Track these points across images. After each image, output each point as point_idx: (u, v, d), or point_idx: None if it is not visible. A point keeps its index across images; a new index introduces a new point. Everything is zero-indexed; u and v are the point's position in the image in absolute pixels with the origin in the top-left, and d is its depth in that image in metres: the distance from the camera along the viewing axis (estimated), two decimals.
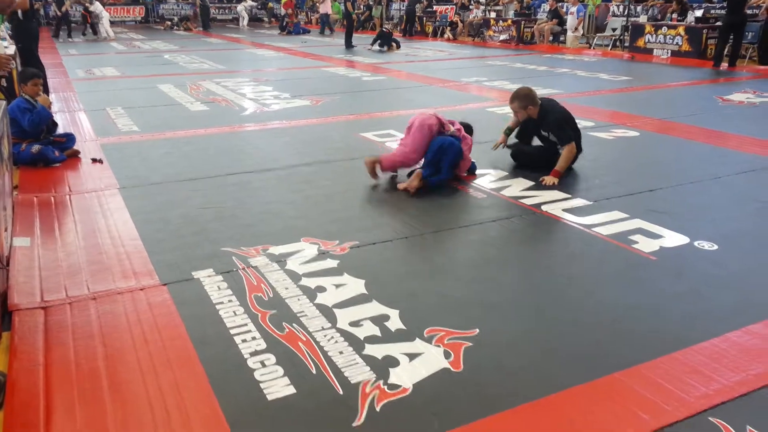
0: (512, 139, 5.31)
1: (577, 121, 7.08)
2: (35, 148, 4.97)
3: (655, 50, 13.28)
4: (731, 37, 11.35)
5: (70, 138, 5.52)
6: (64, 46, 16.63)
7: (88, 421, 2.08)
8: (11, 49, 7.25)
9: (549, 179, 4.63)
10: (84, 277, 3.11)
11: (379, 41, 15.85)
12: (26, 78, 5.27)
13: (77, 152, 5.39)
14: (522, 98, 4.90)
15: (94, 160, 5.19)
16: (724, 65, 11.39)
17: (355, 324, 2.66)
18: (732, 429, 2.02)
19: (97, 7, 19.91)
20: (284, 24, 22.33)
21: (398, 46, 15.78)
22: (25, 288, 2.97)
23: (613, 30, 15.37)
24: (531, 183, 4.61)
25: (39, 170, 4.92)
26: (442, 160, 4.48)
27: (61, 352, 2.46)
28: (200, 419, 2.09)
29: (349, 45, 15.94)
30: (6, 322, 2.67)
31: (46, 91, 7.68)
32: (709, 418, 2.07)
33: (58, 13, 20.20)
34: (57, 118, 7.05)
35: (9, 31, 7.83)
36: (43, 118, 5.15)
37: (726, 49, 11.44)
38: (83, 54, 14.79)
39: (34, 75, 5.33)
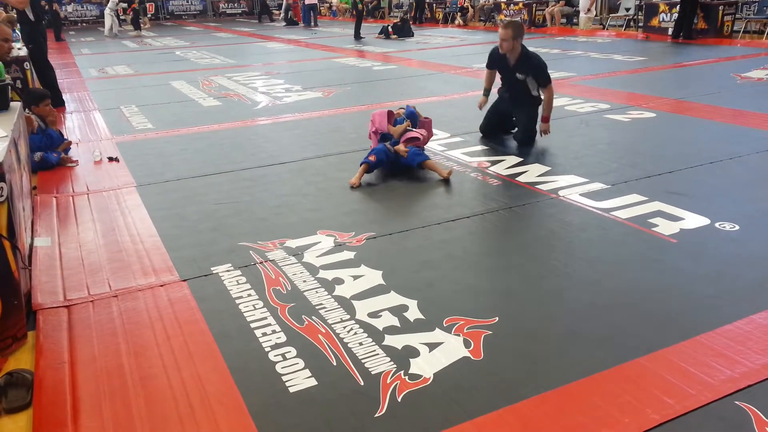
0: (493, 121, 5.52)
1: (592, 104, 6.98)
2: (37, 155, 4.91)
3: (670, 29, 13.04)
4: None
5: None
6: (77, 46, 16.76)
7: (115, 416, 2.11)
8: (23, 51, 7.29)
9: (544, 126, 5.14)
10: (105, 275, 3.14)
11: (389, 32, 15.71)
12: (37, 99, 5.15)
13: (69, 143, 5.42)
14: (516, 28, 5.06)
15: (111, 159, 5.24)
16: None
17: (374, 315, 2.66)
18: (759, 412, 1.99)
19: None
20: (287, 16, 22.01)
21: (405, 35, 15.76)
22: (48, 287, 3.01)
23: (627, 10, 15.11)
24: (547, 168, 4.56)
25: (57, 170, 4.97)
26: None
27: (86, 350, 2.50)
28: (224, 412, 2.11)
29: (358, 36, 15.75)
30: (30, 321, 2.71)
31: (59, 93, 7.75)
32: (736, 402, 2.05)
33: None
34: (72, 117, 7.15)
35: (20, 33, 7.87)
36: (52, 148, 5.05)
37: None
38: (96, 53, 14.89)
39: (44, 96, 5.24)
